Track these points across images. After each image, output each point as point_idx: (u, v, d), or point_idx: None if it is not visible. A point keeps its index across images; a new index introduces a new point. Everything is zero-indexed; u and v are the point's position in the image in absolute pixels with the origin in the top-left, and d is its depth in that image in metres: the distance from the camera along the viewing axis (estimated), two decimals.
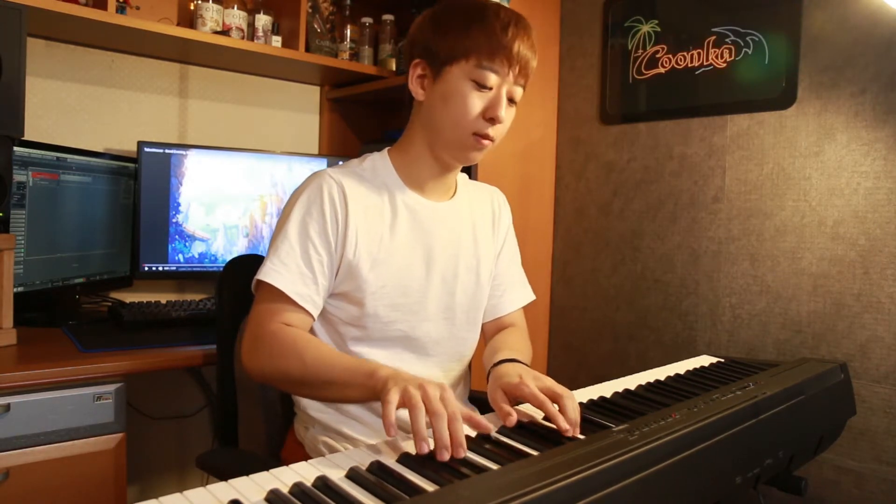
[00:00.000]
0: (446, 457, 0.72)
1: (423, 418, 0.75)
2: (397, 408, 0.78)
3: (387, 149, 1.14)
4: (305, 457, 1.06)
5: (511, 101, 1.05)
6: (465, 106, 1.01)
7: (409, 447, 0.76)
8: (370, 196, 1.07)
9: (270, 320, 0.99)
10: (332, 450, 1.05)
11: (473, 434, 0.82)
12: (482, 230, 1.19)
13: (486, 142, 1.04)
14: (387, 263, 1.05)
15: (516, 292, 1.26)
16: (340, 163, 1.15)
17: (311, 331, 1.09)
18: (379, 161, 1.11)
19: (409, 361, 1.10)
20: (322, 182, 1.04)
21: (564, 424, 0.82)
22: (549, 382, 0.91)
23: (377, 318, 1.05)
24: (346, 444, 1.05)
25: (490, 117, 1.02)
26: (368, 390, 0.87)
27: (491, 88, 1.01)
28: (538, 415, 0.89)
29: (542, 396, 0.87)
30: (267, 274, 1.00)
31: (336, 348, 1.08)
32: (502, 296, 1.24)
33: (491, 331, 1.24)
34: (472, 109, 1.01)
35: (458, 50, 1.01)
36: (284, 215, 1.05)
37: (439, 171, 1.11)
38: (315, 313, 1.03)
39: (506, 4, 1.84)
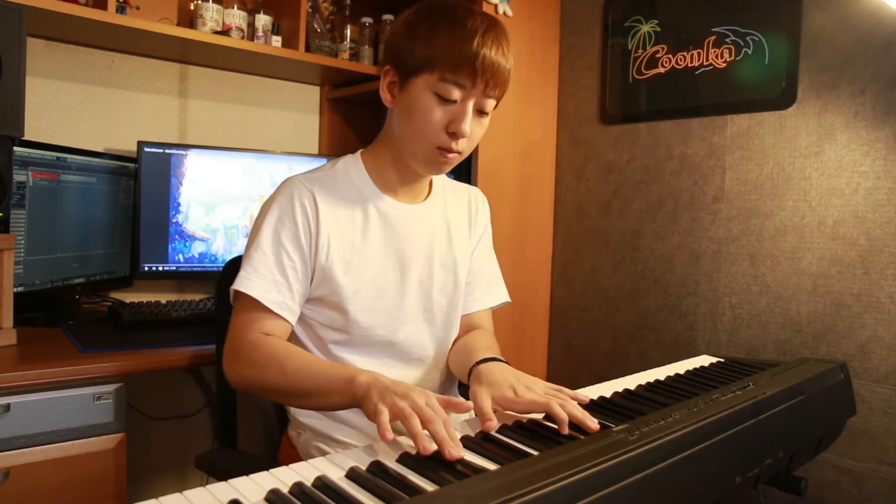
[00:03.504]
0: (455, 453, 0.71)
1: (418, 423, 0.75)
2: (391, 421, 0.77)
3: (360, 151, 1.13)
4: (299, 461, 1.07)
5: (482, 112, 1.02)
6: (427, 119, 0.99)
7: (409, 446, 0.76)
8: (341, 201, 1.06)
9: (249, 330, 0.98)
10: (325, 455, 1.04)
11: (472, 433, 0.82)
12: (458, 229, 1.18)
13: (450, 155, 1.02)
14: (360, 268, 1.05)
15: (485, 292, 1.23)
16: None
17: (292, 335, 1.08)
18: (352, 164, 1.11)
19: (392, 367, 1.09)
20: (293, 189, 1.04)
21: (591, 423, 0.82)
22: (541, 387, 0.91)
23: (358, 324, 1.05)
24: (339, 449, 1.04)
25: (452, 132, 0.99)
26: (349, 397, 0.86)
27: (455, 101, 0.98)
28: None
29: (547, 401, 0.86)
30: (241, 283, 0.99)
31: (319, 353, 1.08)
32: (471, 294, 1.21)
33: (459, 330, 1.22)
34: (434, 123, 0.99)
35: (422, 60, 0.98)
36: (257, 224, 1.04)
37: (411, 177, 1.10)
38: (292, 320, 1.02)
39: (506, 8, 1.84)
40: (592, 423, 0.82)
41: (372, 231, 1.07)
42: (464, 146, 1.01)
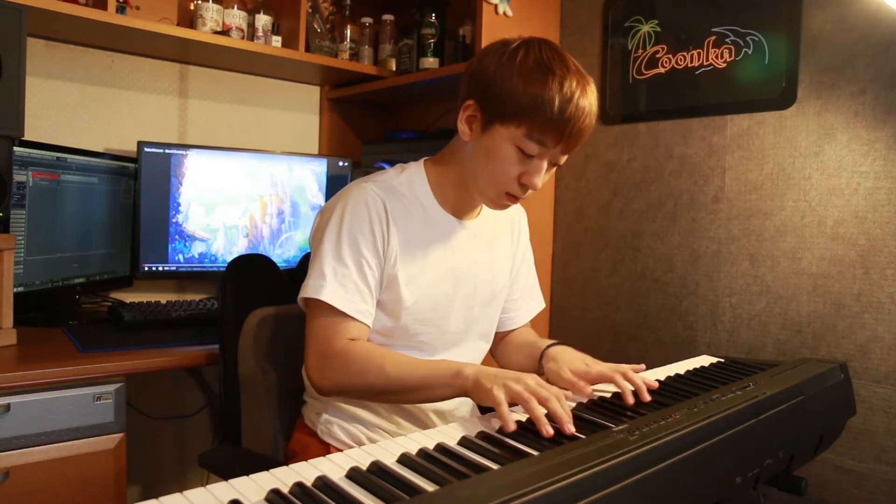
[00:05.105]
0: (572, 428, 0.80)
1: (537, 405, 0.82)
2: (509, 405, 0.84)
3: (424, 160, 1.15)
4: (317, 444, 1.11)
5: (554, 163, 1.04)
6: (504, 170, 1.02)
7: (408, 446, 0.76)
8: (407, 213, 1.09)
9: (336, 338, 1.01)
10: (346, 432, 1.09)
11: (473, 433, 0.82)
12: (501, 246, 1.22)
13: (517, 201, 1.07)
14: (419, 280, 1.08)
15: (530, 305, 1.32)
16: (389, 167, 1.16)
17: None
18: (416, 176, 1.12)
19: None
20: (367, 197, 1.06)
21: (645, 395, 0.95)
22: (606, 365, 1.05)
23: (406, 331, 1.09)
24: (359, 426, 1.09)
25: (524, 183, 1.02)
26: (457, 389, 0.93)
27: (534, 157, 1.00)
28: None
29: (612, 373, 1.00)
30: (327, 294, 1.01)
31: None
32: (519, 310, 1.30)
33: (501, 336, 1.30)
34: (509, 173, 1.02)
35: (510, 111, 0.97)
36: (330, 229, 1.05)
37: (471, 199, 1.14)
38: (371, 323, 1.06)
39: (506, 8, 1.84)
40: (647, 392, 0.95)
41: (432, 244, 1.10)
42: (529, 194, 1.06)
